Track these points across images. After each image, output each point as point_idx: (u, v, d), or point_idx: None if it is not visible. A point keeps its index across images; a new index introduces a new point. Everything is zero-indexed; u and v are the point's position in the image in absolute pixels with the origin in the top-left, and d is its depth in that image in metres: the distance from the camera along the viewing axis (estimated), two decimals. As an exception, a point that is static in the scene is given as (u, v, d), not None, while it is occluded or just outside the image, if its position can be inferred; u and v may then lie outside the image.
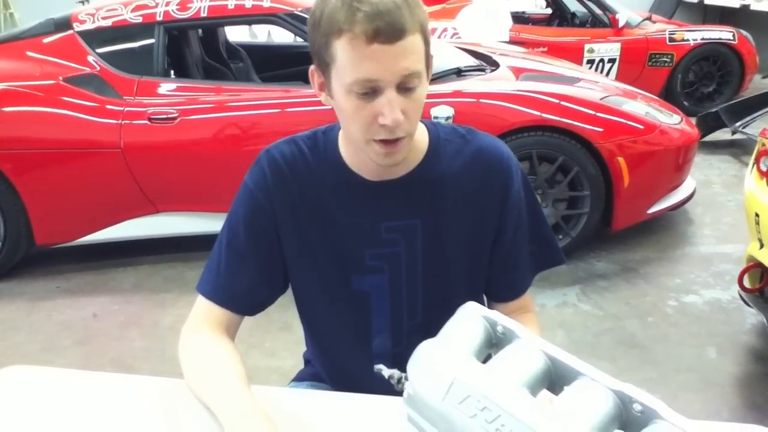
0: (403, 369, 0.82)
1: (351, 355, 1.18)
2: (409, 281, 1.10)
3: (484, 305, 0.86)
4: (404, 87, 0.92)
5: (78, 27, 3.19)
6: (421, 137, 1.07)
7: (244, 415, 0.91)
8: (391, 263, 1.09)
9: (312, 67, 1.00)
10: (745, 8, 7.18)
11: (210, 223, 3.06)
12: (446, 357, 0.78)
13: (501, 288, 1.18)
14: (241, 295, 1.10)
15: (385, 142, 0.95)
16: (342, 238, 1.08)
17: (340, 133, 1.08)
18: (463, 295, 1.05)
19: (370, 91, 0.91)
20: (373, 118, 0.93)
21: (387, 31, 0.87)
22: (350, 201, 1.07)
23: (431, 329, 0.86)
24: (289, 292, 1.18)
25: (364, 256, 1.08)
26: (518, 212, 1.11)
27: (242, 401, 0.93)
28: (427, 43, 0.94)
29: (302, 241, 1.09)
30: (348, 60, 0.90)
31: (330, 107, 1.00)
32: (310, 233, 1.08)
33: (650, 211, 3.28)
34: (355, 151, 1.05)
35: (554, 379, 0.74)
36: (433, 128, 1.10)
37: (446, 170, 1.08)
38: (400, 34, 0.88)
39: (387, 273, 1.09)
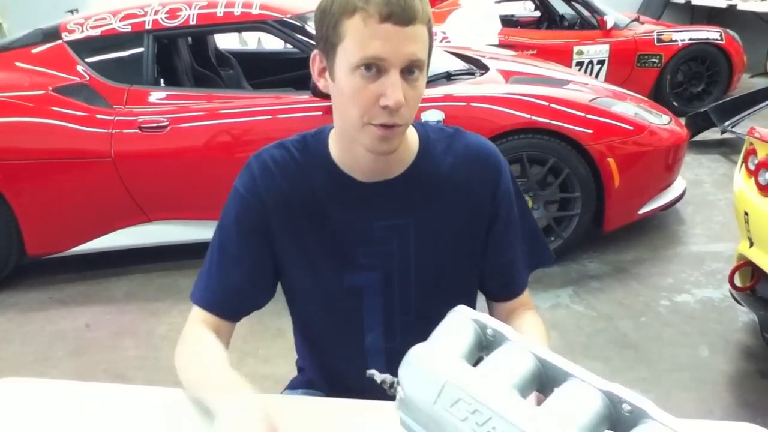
0: (396, 365, 0.82)
1: (344, 353, 1.18)
2: (401, 278, 1.11)
3: (475, 307, 0.87)
4: (408, 72, 0.94)
5: (67, 37, 3.19)
6: (412, 138, 1.08)
7: (231, 392, 0.92)
8: (384, 261, 1.09)
9: (314, 53, 1.01)
10: (731, 8, 7.24)
11: (203, 231, 3.05)
12: (437, 360, 0.78)
13: (500, 285, 1.19)
14: (229, 296, 1.11)
15: (383, 126, 0.95)
16: (335, 236, 1.09)
17: (332, 133, 1.09)
18: (456, 293, 1.06)
19: (375, 71, 0.92)
20: (375, 99, 0.93)
21: (400, 13, 0.90)
22: (342, 201, 1.08)
23: (424, 326, 0.86)
24: (282, 299, 1.18)
25: (357, 254, 1.09)
26: (508, 206, 1.12)
27: (233, 381, 0.95)
28: (431, 38, 0.98)
29: (295, 239, 1.09)
30: (358, 37, 0.92)
31: (321, 113, 1.01)
32: (303, 230, 1.09)
33: (641, 211, 3.30)
34: (347, 151, 1.05)
35: (544, 381, 0.75)
36: (422, 129, 1.12)
37: (438, 168, 1.09)
38: (411, 19, 0.91)
39: (379, 270, 1.10)
